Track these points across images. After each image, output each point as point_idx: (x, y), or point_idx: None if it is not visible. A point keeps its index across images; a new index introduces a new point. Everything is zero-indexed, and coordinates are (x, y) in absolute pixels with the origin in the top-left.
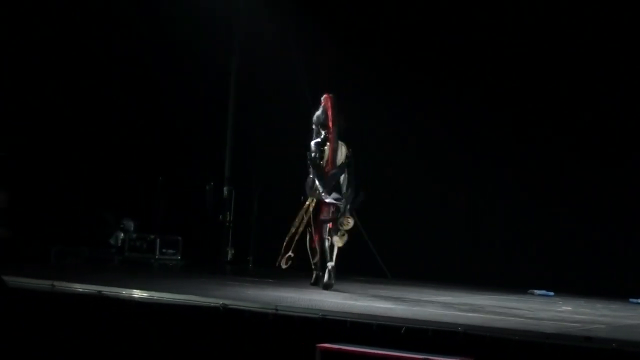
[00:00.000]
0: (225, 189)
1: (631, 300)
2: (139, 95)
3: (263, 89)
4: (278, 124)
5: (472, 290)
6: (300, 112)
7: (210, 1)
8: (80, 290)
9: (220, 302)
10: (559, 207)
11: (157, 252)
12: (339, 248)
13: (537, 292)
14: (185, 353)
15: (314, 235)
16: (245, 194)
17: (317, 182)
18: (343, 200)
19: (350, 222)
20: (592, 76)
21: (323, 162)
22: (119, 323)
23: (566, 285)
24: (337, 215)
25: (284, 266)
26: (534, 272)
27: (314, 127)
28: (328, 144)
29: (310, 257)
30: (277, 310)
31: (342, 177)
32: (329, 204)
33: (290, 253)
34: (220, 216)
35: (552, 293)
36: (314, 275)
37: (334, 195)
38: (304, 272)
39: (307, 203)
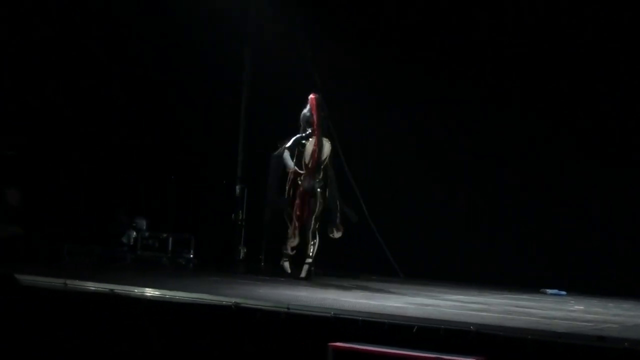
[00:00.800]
0: (237, 187)
1: None
2: (151, 95)
3: (276, 87)
4: (291, 122)
5: (484, 290)
6: None
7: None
8: (93, 288)
9: (233, 301)
10: (571, 205)
11: (170, 251)
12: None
13: (549, 291)
14: (197, 352)
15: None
16: (258, 192)
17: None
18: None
19: (339, 232)
20: (592, 76)
21: (305, 158)
22: (131, 322)
23: (578, 285)
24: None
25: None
26: (546, 271)
27: (300, 123)
28: (311, 139)
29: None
30: (289, 309)
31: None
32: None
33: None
34: (233, 215)
35: (564, 292)
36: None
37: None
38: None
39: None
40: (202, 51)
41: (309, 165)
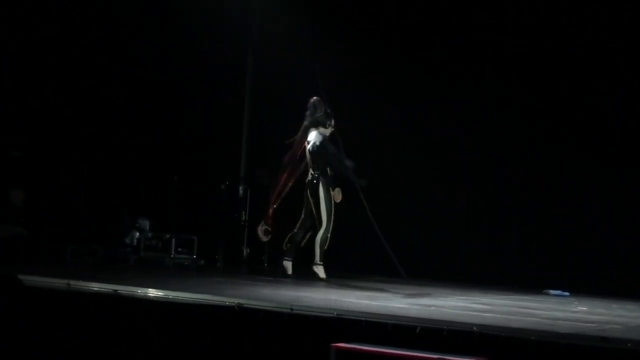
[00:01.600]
0: (240, 188)
1: None
2: (153, 95)
3: (278, 88)
4: (293, 123)
5: (487, 290)
6: None
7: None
8: (96, 289)
9: (236, 301)
10: (575, 206)
11: (173, 252)
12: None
13: (552, 292)
14: (200, 352)
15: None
16: (261, 193)
17: None
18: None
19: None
20: (592, 76)
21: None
22: (134, 322)
23: (582, 286)
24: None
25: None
26: (549, 272)
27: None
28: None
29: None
30: (292, 309)
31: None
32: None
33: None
34: (236, 215)
35: (567, 293)
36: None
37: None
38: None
39: None
40: (205, 52)
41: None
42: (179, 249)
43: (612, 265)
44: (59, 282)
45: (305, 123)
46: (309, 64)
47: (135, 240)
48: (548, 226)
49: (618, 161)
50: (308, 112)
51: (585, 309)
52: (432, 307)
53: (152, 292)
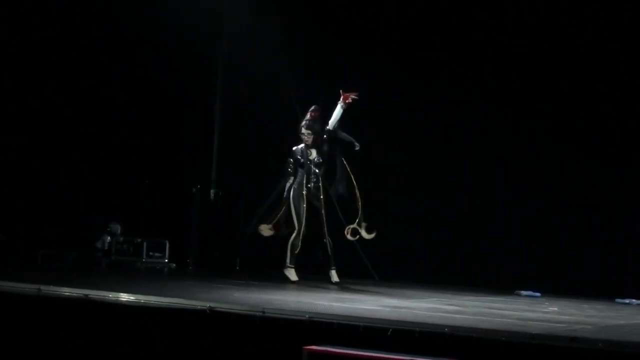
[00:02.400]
0: (212, 191)
1: (617, 300)
2: (125, 99)
3: (250, 91)
4: (265, 126)
5: (458, 292)
6: (287, 115)
7: (197, 1)
8: (67, 294)
9: (207, 304)
10: (544, 207)
11: (144, 256)
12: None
13: (523, 292)
14: (172, 356)
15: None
16: (232, 196)
17: None
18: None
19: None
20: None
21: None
22: (106, 327)
23: (553, 286)
24: None
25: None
26: (520, 273)
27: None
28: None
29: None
30: (264, 312)
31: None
32: None
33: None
34: (208, 219)
35: (538, 294)
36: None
37: None
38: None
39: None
40: (175, 54)
41: None
42: (151, 253)
43: (582, 266)
44: (29, 287)
45: (313, 129)
46: (281, 70)
47: (106, 245)
48: (519, 227)
49: (598, 164)
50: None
51: (556, 309)
52: (404, 309)
53: (124, 297)
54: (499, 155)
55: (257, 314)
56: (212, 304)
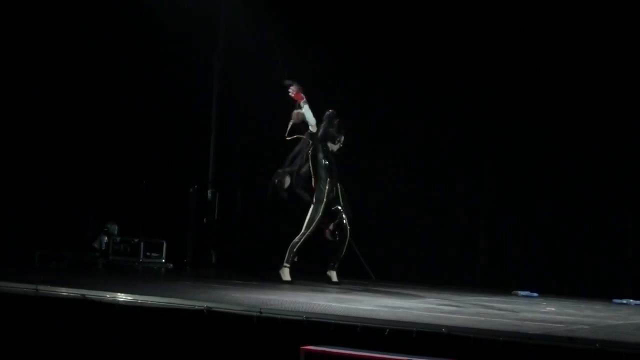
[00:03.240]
0: (209, 192)
1: (615, 301)
2: (121, 100)
3: (246, 91)
4: (261, 126)
5: (456, 292)
6: (284, 114)
7: (193, 1)
8: (64, 294)
9: (205, 305)
10: (543, 208)
11: (141, 256)
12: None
13: (521, 293)
14: (170, 356)
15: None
16: (229, 196)
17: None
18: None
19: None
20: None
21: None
22: (103, 327)
23: (550, 286)
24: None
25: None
26: (518, 273)
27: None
28: None
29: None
30: (261, 312)
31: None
32: None
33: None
34: (205, 219)
35: (536, 294)
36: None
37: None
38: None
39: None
40: (172, 55)
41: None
42: (148, 253)
43: (580, 267)
44: (27, 287)
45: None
46: (276, 70)
47: (103, 245)
48: (517, 228)
49: (593, 163)
50: (323, 124)
51: (553, 309)
52: (401, 309)
53: (121, 297)
54: (497, 155)
55: (255, 314)
56: (210, 304)
